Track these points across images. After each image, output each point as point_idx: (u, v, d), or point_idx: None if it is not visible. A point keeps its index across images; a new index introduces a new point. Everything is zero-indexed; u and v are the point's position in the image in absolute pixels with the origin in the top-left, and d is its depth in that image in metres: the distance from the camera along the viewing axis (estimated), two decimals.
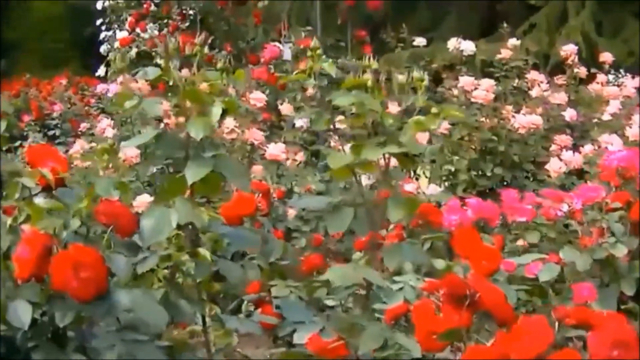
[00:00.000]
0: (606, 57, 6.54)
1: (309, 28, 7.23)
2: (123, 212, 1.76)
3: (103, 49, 10.19)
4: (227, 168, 1.74)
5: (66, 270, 1.61)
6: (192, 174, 1.72)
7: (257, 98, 5.28)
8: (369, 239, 2.12)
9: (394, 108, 2.74)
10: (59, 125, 8.37)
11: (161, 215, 1.72)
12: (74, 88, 10.53)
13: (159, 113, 1.74)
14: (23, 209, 1.93)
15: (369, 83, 1.79)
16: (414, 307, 2.11)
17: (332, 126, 1.99)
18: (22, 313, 1.75)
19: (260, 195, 3.10)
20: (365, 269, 1.85)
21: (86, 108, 9.33)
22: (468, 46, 6.61)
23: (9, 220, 1.89)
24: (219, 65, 1.77)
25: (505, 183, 5.37)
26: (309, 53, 1.84)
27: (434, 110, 1.76)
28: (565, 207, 3.26)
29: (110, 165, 1.89)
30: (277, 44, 7.07)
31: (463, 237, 2.43)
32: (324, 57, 1.84)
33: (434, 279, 2.49)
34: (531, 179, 5.42)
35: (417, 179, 5.32)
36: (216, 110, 1.70)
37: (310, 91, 5.20)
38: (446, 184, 5.40)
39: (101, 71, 10.03)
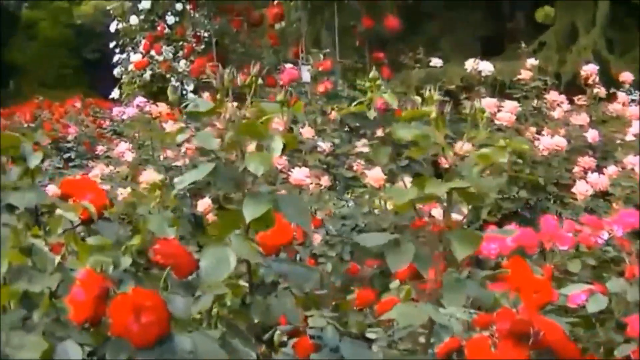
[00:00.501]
0: (626, 76, 6.49)
1: (327, 50, 7.18)
2: (181, 252, 1.70)
3: (116, 71, 10.16)
4: (287, 205, 1.68)
5: (127, 315, 1.54)
6: (251, 211, 1.66)
7: (278, 122, 5.20)
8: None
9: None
10: (74, 148, 8.31)
11: (219, 254, 1.66)
12: (85, 110, 10.50)
13: (214, 147, 1.68)
14: (69, 245, 1.87)
15: (433, 115, 1.72)
16: (469, 342, 2.03)
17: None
18: (72, 354, 1.69)
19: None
20: (430, 307, 1.78)
21: (98, 130, 9.28)
22: (486, 67, 6.56)
23: (57, 258, 1.83)
24: (279, 97, 1.71)
25: (528, 206, 5.31)
26: (367, 84, 1.79)
27: (500, 142, 1.70)
28: (605, 235, 3.20)
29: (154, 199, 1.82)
30: (292, 65, 7.02)
31: (513, 268, 2.37)
32: (382, 87, 1.78)
33: (481, 312, 2.43)
34: (555, 202, 5.36)
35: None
36: (277, 146, 1.64)
37: (333, 115, 5.14)
38: (469, 207, 5.32)
39: (115, 94, 10.01)
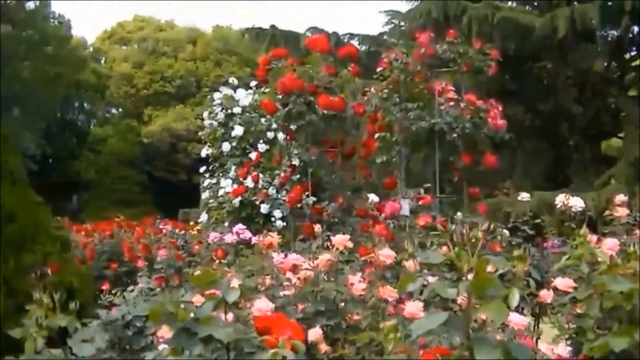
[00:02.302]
0: None
1: (427, 185, 7.33)
2: None
3: (205, 195, 10.39)
4: (518, 352, 1.84)
5: None
6: (485, 357, 1.81)
7: (387, 255, 5.34)
8: None
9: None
10: (162, 270, 8.35)
11: None
12: (161, 231, 10.70)
13: (451, 297, 1.86)
14: None
15: None
16: None
17: None
18: None
19: None
20: None
21: (179, 253, 9.37)
22: (577, 202, 6.68)
23: None
24: (516, 252, 1.89)
25: None
26: (578, 239, 1.96)
27: None
28: None
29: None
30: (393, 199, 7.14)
31: None
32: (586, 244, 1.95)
33: None
34: None
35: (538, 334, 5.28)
36: (514, 297, 1.81)
37: (444, 249, 5.25)
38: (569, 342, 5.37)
39: (203, 217, 10.20)
